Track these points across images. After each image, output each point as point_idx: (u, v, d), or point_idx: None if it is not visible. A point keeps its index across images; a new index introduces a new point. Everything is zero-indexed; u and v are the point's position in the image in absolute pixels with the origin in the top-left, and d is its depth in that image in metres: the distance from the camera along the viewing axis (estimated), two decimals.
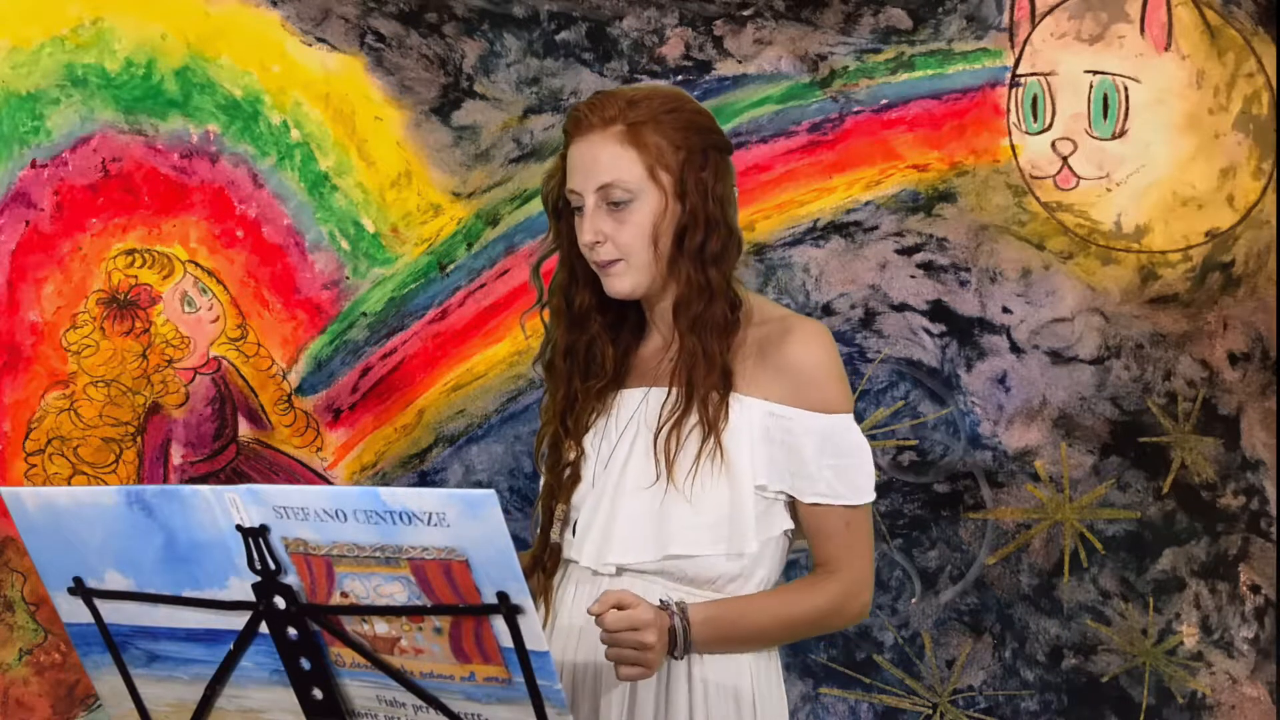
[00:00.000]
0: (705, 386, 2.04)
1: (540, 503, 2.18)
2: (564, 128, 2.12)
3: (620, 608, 1.91)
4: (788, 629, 2.08)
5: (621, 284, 2.08)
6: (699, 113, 2.12)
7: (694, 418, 2.04)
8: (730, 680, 2.06)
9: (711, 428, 2.02)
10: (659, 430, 2.05)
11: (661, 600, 1.99)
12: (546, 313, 2.20)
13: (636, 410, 2.11)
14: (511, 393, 3.33)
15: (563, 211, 2.14)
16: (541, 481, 2.20)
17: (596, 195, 2.06)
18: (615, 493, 2.06)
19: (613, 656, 1.92)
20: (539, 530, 2.16)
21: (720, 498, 2.03)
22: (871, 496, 2.08)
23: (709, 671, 2.04)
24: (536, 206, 3.30)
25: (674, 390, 2.06)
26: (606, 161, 2.05)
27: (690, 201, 2.07)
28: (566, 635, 2.09)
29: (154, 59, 3.19)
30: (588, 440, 2.13)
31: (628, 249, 2.06)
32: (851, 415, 2.07)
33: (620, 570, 2.06)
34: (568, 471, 2.13)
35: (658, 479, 2.03)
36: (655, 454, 2.04)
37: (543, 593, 2.12)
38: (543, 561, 2.13)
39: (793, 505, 2.08)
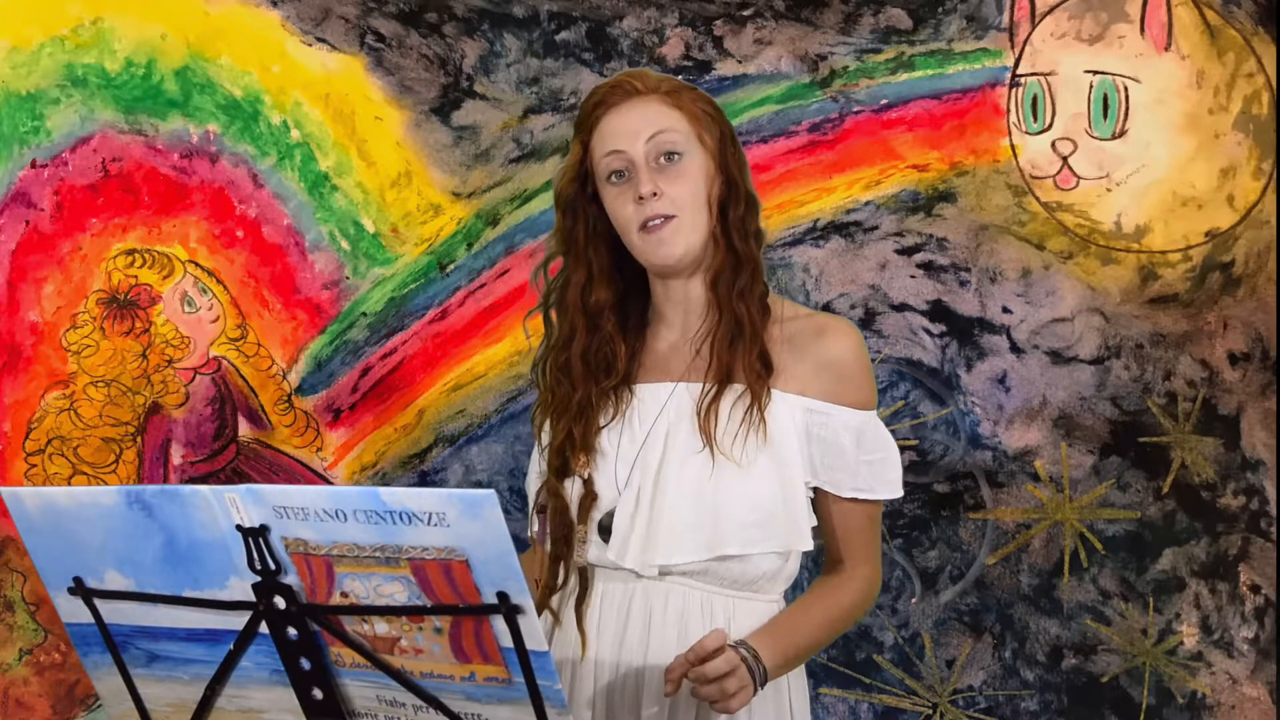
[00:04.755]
0: (748, 359, 2.02)
1: (551, 523, 2.10)
2: (595, 101, 2.09)
3: (703, 658, 1.88)
4: (831, 631, 2.09)
5: (674, 246, 2.04)
6: (713, 104, 2.14)
7: (735, 391, 2.02)
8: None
9: (755, 399, 2.00)
10: (700, 404, 2.02)
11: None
12: (553, 313, 2.16)
13: (665, 406, 2.08)
14: (511, 393, 3.33)
15: (578, 204, 2.11)
16: (531, 477, 2.16)
17: (648, 147, 2.04)
18: (655, 492, 2.03)
19: (703, 697, 1.91)
20: (549, 557, 2.09)
21: (772, 493, 2.01)
22: (900, 491, 2.09)
23: None
24: (536, 206, 3.30)
25: (713, 365, 2.04)
26: (656, 118, 2.05)
27: (730, 173, 2.07)
28: (599, 640, 2.05)
29: (154, 59, 3.19)
30: (604, 440, 2.09)
31: (682, 204, 2.04)
32: (877, 412, 2.09)
33: (662, 572, 2.03)
34: (581, 490, 2.07)
35: (703, 450, 2.00)
36: (700, 427, 2.01)
37: (575, 614, 2.08)
38: (552, 592, 2.08)
39: (813, 500, 2.08)
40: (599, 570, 2.08)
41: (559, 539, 2.09)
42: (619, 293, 2.12)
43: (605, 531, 2.06)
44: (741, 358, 2.03)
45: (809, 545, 2.04)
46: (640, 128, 2.04)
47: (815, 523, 2.08)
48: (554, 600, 2.10)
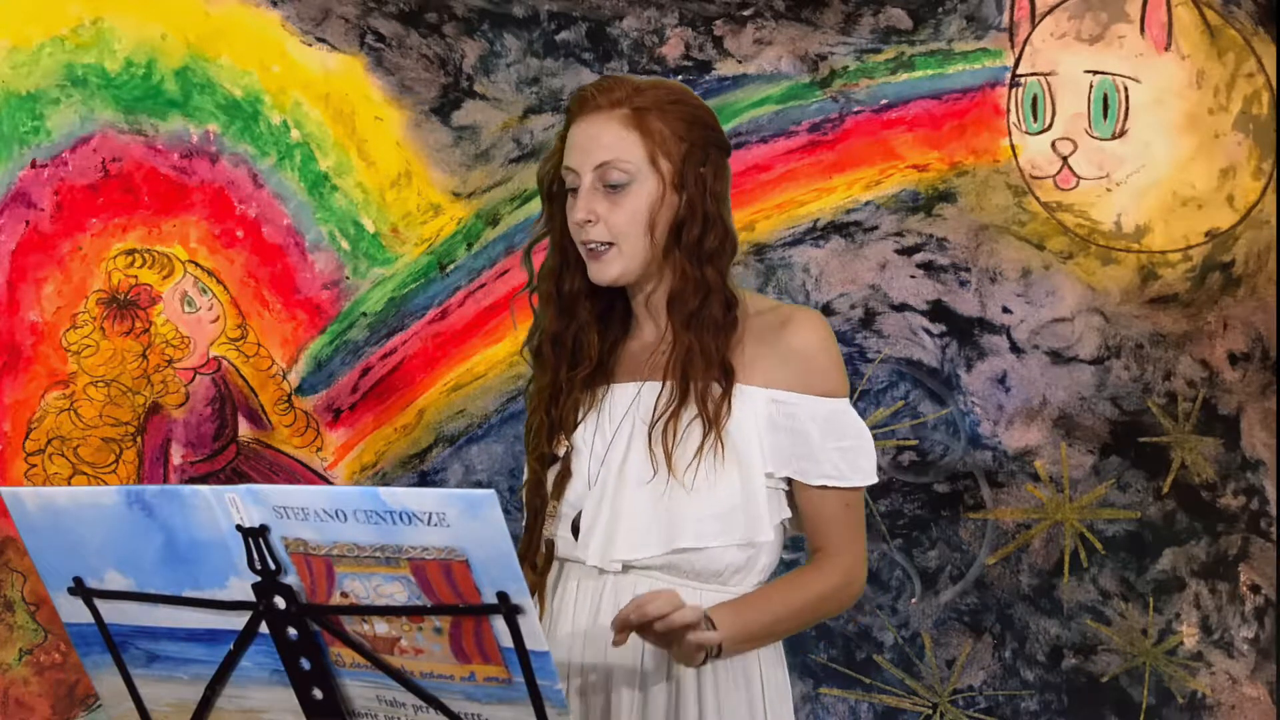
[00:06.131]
0: (703, 381, 2.03)
1: (525, 496, 2.15)
2: (567, 108, 2.11)
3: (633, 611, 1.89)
4: (801, 615, 2.08)
5: (608, 270, 2.06)
6: (703, 109, 2.12)
7: (691, 411, 2.03)
8: (739, 663, 2.05)
9: (712, 423, 2.02)
10: (654, 423, 2.04)
11: None
12: (535, 298, 2.18)
13: (631, 405, 2.09)
14: (511, 393, 3.33)
15: (556, 194, 2.13)
16: (526, 472, 2.18)
17: (594, 174, 2.04)
18: (616, 489, 2.05)
19: (662, 643, 1.90)
20: (524, 527, 2.14)
21: (730, 488, 2.02)
22: (875, 478, 2.09)
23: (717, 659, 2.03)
24: (537, 206, 3.27)
25: (668, 384, 2.06)
26: (608, 141, 2.04)
27: (689, 194, 2.06)
28: (571, 637, 2.08)
29: (154, 59, 3.19)
30: (579, 435, 2.11)
31: (620, 233, 2.04)
32: (849, 399, 2.08)
33: (626, 567, 2.05)
34: (558, 467, 2.11)
35: (656, 473, 2.03)
36: (651, 447, 2.03)
37: (535, 590, 2.11)
38: (530, 558, 2.12)
39: (788, 493, 2.08)
40: (574, 566, 2.10)
41: (532, 510, 2.12)
42: (588, 283, 2.12)
43: (576, 531, 2.08)
44: (695, 382, 2.04)
45: (769, 536, 2.05)
46: (590, 150, 2.05)
47: (788, 514, 2.09)
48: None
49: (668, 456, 2.02)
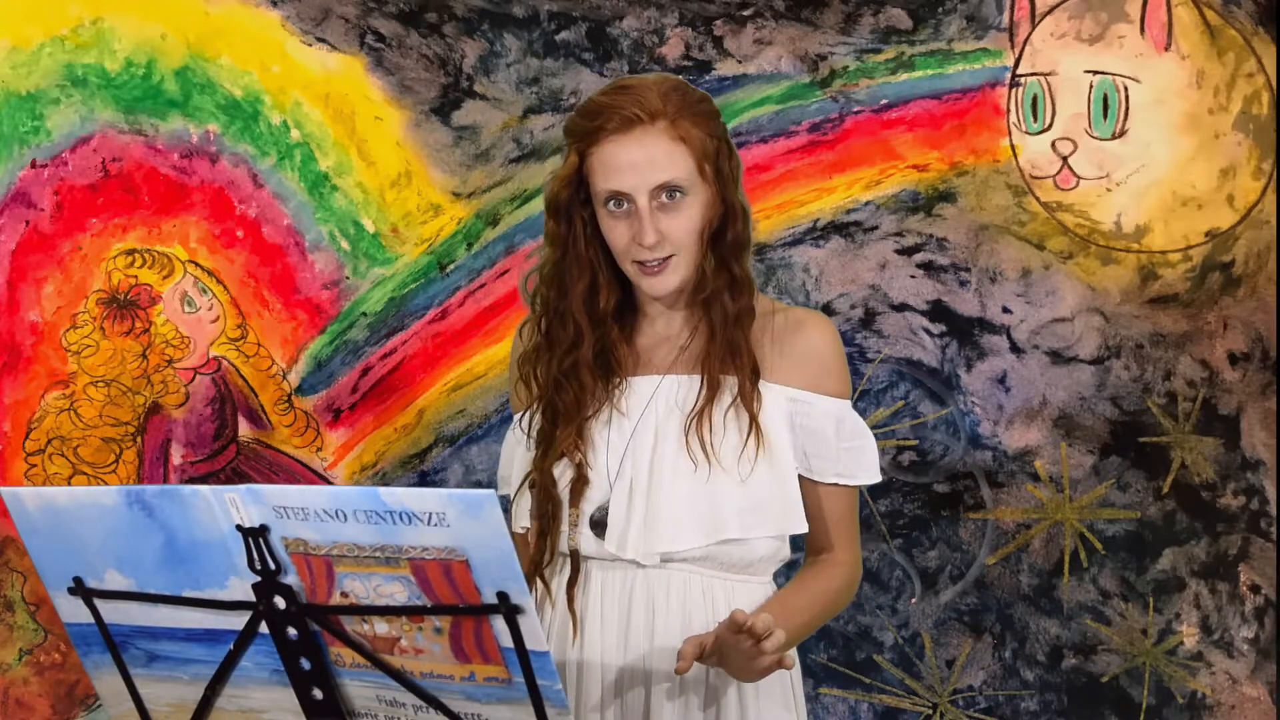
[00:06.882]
0: (735, 375, 2.05)
1: (534, 502, 2.11)
2: (598, 124, 2.03)
3: (741, 626, 1.88)
4: (825, 615, 2.14)
5: (671, 281, 2.06)
6: (710, 100, 2.11)
7: (724, 403, 2.05)
8: None
9: (752, 415, 2.04)
10: (690, 416, 2.05)
11: None
12: (544, 322, 2.13)
13: (651, 399, 2.09)
14: None
15: (574, 209, 2.09)
16: (525, 476, 2.13)
17: (650, 194, 2.02)
18: (650, 482, 2.04)
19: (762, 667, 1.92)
20: (537, 533, 2.11)
21: (767, 480, 2.05)
22: (879, 477, 2.14)
23: None
24: (537, 206, 3.30)
25: (705, 377, 2.06)
26: (663, 160, 2.01)
27: (726, 193, 2.07)
28: (603, 635, 2.07)
29: (154, 59, 3.19)
30: (593, 432, 2.10)
31: (680, 244, 2.04)
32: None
33: (663, 560, 2.05)
34: (574, 474, 2.09)
35: (697, 467, 2.03)
36: (687, 439, 2.04)
37: (552, 596, 2.10)
38: (544, 565, 2.11)
39: None
40: (596, 562, 2.08)
41: (544, 516, 2.10)
42: (621, 295, 2.12)
43: (598, 526, 2.07)
44: (730, 375, 2.05)
45: (804, 528, 2.09)
46: (645, 170, 2.01)
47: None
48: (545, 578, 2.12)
49: (706, 448, 2.03)
